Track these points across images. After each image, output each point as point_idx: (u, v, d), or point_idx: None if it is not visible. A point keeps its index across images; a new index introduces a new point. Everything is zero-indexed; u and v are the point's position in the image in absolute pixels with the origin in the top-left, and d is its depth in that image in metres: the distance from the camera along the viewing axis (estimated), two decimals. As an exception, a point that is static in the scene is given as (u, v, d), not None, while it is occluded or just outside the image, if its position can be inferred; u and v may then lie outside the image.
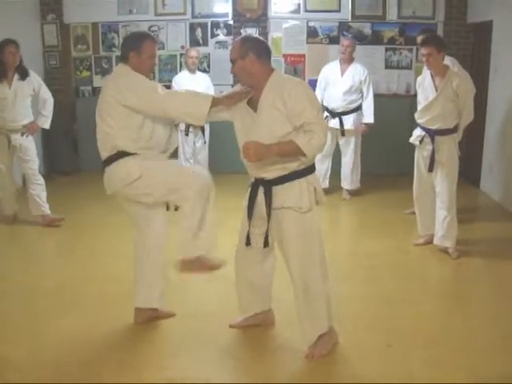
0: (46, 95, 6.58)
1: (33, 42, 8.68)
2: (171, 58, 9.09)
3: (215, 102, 3.78)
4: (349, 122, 7.55)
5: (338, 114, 7.53)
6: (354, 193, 7.79)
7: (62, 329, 4.20)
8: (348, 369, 3.74)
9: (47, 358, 3.81)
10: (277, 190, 3.65)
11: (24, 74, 6.38)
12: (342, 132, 7.56)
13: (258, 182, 3.74)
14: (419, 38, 6.64)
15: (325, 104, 7.49)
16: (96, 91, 9.25)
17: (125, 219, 6.63)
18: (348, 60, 7.51)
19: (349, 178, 7.74)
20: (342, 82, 7.48)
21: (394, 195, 7.80)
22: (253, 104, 3.69)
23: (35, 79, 6.53)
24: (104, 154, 4.01)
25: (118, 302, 4.61)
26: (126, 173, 3.88)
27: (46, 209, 6.64)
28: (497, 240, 6.17)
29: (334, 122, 7.48)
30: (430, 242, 5.85)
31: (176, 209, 4.11)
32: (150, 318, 4.27)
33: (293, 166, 3.60)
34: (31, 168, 6.61)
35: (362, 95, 7.62)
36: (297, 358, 3.83)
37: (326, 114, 7.40)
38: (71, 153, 9.17)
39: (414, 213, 6.15)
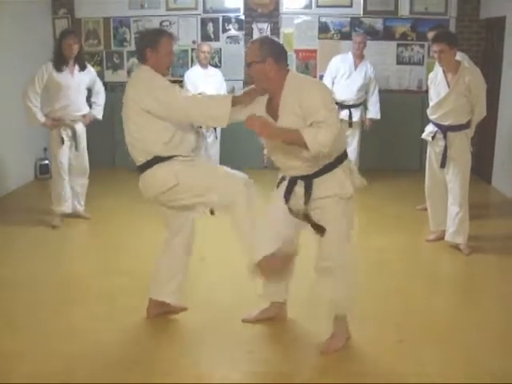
0: (101, 88, 6.72)
1: (44, 37, 8.69)
2: (183, 53, 9.07)
3: (234, 101, 3.77)
4: (356, 114, 7.76)
5: (348, 107, 7.69)
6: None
7: (71, 322, 4.22)
8: (360, 364, 3.74)
9: (55, 349, 3.83)
10: (317, 182, 3.67)
11: (83, 65, 6.43)
12: (350, 124, 7.72)
13: (295, 177, 3.75)
14: (430, 34, 6.63)
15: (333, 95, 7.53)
16: (107, 86, 9.25)
17: (136, 214, 6.73)
18: (360, 56, 7.67)
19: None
20: (355, 77, 7.60)
21: (405, 191, 7.78)
22: (272, 111, 3.67)
23: (91, 71, 6.61)
24: (138, 159, 3.98)
25: (128, 297, 4.63)
26: (162, 181, 3.87)
27: (82, 207, 6.74)
28: (509, 236, 6.15)
29: (343, 114, 7.57)
30: (441, 238, 5.84)
31: (212, 212, 4.12)
32: (161, 312, 4.28)
33: (327, 160, 3.63)
34: (80, 162, 6.63)
35: (367, 90, 7.83)
36: (310, 353, 3.85)
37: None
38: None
39: (426, 209, 6.14)
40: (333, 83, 7.67)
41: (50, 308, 4.47)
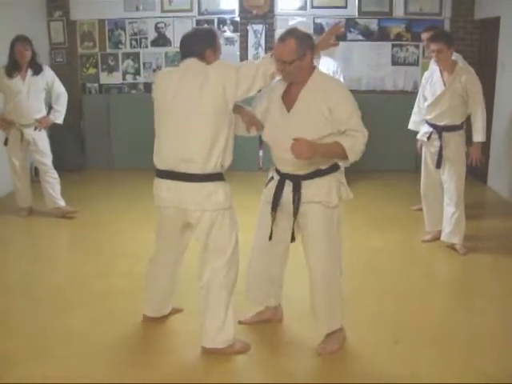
0: (60, 90, 6.69)
1: (39, 39, 8.64)
2: (178, 54, 8.97)
3: (238, 110, 3.76)
4: None
5: None
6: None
7: (68, 324, 4.21)
8: (356, 365, 3.74)
9: (52, 353, 3.82)
10: (306, 185, 3.66)
11: (37, 69, 6.50)
12: None
13: (284, 177, 3.74)
14: (424, 35, 6.65)
15: None
16: (103, 88, 9.27)
17: (133, 216, 6.73)
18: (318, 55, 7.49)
19: None
20: None
21: (401, 191, 7.79)
22: (288, 101, 3.66)
23: (49, 74, 6.63)
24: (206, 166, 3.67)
25: (124, 299, 4.63)
26: (224, 198, 3.70)
27: (61, 201, 6.74)
28: (505, 236, 6.16)
29: None
30: (437, 238, 5.85)
31: None
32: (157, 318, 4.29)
33: (324, 165, 3.64)
34: (44, 163, 6.70)
35: None
36: (306, 354, 3.85)
37: None
38: (77, 150, 9.17)
39: (421, 209, 6.15)
40: None
41: (46, 311, 4.45)
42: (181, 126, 3.61)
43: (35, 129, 6.55)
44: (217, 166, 3.63)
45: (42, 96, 6.63)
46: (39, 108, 6.62)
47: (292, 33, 3.55)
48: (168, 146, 3.67)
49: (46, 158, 6.71)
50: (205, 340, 3.82)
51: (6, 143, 6.59)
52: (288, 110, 3.64)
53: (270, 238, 3.83)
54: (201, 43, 3.70)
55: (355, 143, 3.51)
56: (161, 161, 3.73)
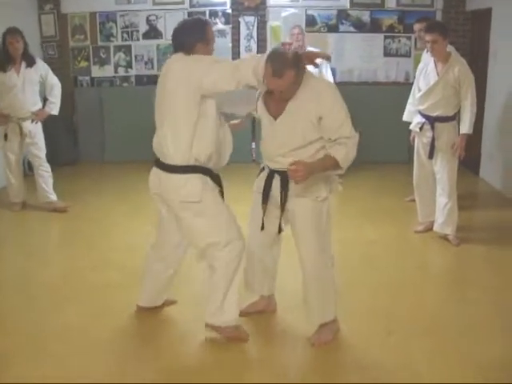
0: (54, 81, 6.68)
1: (31, 33, 8.58)
2: (170, 47, 8.96)
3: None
4: None
5: None
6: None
7: (65, 320, 4.20)
8: (350, 356, 3.76)
9: (50, 351, 3.81)
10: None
11: (31, 62, 6.47)
12: None
13: (273, 171, 3.76)
14: (416, 26, 6.63)
15: None
16: (94, 81, 9.24)
17: (126, 209, 6.72)
18: (302, 47, 7.44)
19: None
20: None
21: (393, 183, 7.80)
22: (274, 108, 3.65)
23: (42, 66, 6.62)
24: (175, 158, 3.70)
25: (121, 292, 4.63)
26: (188, 192, 3.67)
27: (53, 196, 6.73)
28: (497, 227, 6.19)
29: None
30: (429, 228, 5.87)
31: None
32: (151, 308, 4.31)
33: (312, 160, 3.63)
34: (39, 156, 6.70)
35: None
36: (300, 345, 3.87)
37: None
38: (70, 143, 9.15)
39: (414, 200, 6.17)
40: None
41: (42, 307, 4.44)
42: (158, 117, 3.72)
43: (32, 121, 6.54)
44: (188, 158, 3.62)
45: (36, 88, 6.61)
46: (35, 100, 6.60)
47: (286, 64, 3.38)
48: (155, 135, 3.78)
49: (41, 152, 6.70)
50: (206, 315, 3.90)
51: (6, 138, 6.54)
52: (275, 118, 3.64)
53: (262, 228, 3.85)
54: (190, 37, 3.66)
55: (348, 152, 3.52)
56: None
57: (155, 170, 3.80)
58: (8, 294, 4.69)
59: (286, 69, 3.36)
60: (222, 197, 3.85)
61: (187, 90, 3.52)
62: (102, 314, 4.29)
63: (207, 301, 3.87)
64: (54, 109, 6.69)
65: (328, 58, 4.00)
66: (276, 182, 3.74)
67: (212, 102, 3.61)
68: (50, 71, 6.69)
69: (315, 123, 3.53)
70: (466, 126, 5.42)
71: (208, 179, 3.72)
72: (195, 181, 3.66)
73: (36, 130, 6.63)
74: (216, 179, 3.80)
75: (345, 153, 3.51)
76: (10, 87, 6.36)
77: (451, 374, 3.52)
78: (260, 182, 3.87)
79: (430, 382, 3.45)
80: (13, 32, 6.30)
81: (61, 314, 4.30)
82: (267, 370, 3.61)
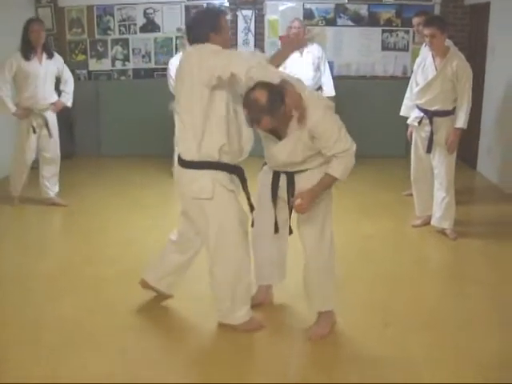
0: (68, 74, 6.70)
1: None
2: (167, 40, 9.02)
3: None
4: None
5: None
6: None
7: (60, 311, 4.20)
8: (346, 350, 3.76)
9: (44, 341, 3.81)
10: (298, 177, 3.72)
11: (50, 53, 6.47)
12: None
13: (278, 171, 3.82)
14: (415, 20, 6.61)
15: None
16: (92, 75, 9.21)
17: (122, 203, 6.71)
18: (299, 35, 7.41)
19: None
20: (304, 62, 7.40)
21: (390, 177, 7.80)
22: (276, 132, 3.66)
23: (59, 59, 6.62)
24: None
25: (116, 285, 4.63)
26: (199, 188, 3.67)
27: (52, 192, 6.70)
28: (494, 221, 6.20)
29: None
30: (427, 223, 5.87)
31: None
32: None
33: (316, 164, 3.68)
34: (54, 150, 6.66)
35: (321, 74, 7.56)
36: (296, 338, 3.87)
37: None
38: (67, 137, 9.10)
39: (412, 194, 6.17)
40: None
41: (38, 301, 4.42)
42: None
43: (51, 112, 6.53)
44: (199, 152, 3.61)
45: (54, 81, 6.59)
46: (53, 92, 6.58)
47: (261, 111, 3.39)
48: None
49: (56, 145, 6.66)
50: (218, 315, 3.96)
51: (34, 131, 6.43)
52: (279, 139, 3.65)
53: (277, 230, 3.93)
54: (203, 27, 3.64)
55: (346, 166, 3.54)
56: None
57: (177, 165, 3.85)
58: (4, 287, 4.66)
59: (262, 116, 3.41)
60: (246, 189, 3.85)
61: (198, 80, 3.49)
62: (98, 308, 4.28)
63: (216, 301, 3.92)
64: (69, 101, 6.68)
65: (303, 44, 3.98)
66: (282, 177, 3.79)
67: (222, 95, 3.56)
68: (66, 66, 6.69)
69: (311, 144, 3.56)
70: (461, 121, 5.41)
71: (223, 175, 3.71)
72: (208, 178, 3.66)
73: (54, 122, 6.60)
74: (237, 172, 3.80)
75: (343, 168, 3.54)
76: (33, 77, 6.26)
77: (448, 368, 3.52)
78: (264, 175, 3.92)
79: (427, 376, 3.45)
80: (38, 21, 6.36)
81: (57, 306, 4.29)
82: (264, 363, 3.62)
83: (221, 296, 3.88)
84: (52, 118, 6.57)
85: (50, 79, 6.47)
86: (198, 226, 3.87)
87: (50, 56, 6.44)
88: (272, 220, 3.91)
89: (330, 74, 7.56)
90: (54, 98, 6.59)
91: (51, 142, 6.61)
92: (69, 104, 6.71)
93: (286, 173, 3.76)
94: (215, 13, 3.77)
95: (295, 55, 7.46)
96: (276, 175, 3.82)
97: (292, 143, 3.59)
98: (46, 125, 6.48)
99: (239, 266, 3.82)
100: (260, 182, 3.99)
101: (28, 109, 6.35)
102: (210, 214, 3.70)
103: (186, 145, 3.67)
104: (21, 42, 6.27)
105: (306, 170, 3.70)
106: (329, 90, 7.50)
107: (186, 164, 3.69)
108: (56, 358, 3.62)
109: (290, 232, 3.99)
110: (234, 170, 3.77)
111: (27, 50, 6.23)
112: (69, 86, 6.67)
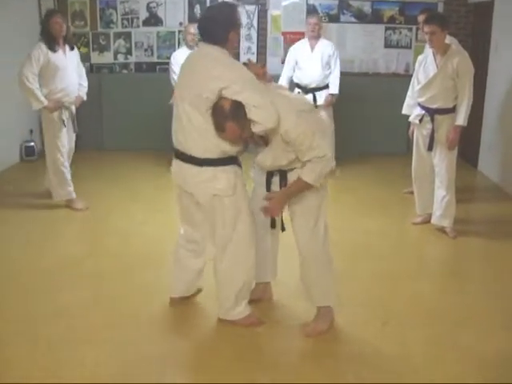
0: (83, 69, 6.61)
1: (30, 19, 8.58)
2: (170, 34, 9.00)
3: None
4: (321, 98, 7.50)
5: (312, 90, 7.48)
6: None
7: (58, 305, 4.20)
8: (345, 346, 3.76)
9: (43, 335, 3.81)
10: (291, 173, 3.72)
11: (72, 45, 6.33)
12: (315, 107, 7.55)
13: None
14: (420, 17, 6.60)
15: (296, 81, 7.58)
16: (94, 68, 9.19)
17: (124, 197, 6.71)
18: (315, 37, 7.53)
19: None
20: (313, 58, 7.45)
21: (391, 174, 7.79)
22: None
23: (77, 51, 6.50)
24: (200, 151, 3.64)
25: (117, 280, 4.62)
26: (221, 186, 3.65)
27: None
28: (494, 220, 6.20)
29: (308, 98, 7.47)
30: (427, 221, 5.87)
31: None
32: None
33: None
34: (73, 145, 6.60)
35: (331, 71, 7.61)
36: (295, 335, 3.87)
37: (297, 90, 7.45)
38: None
39: (412, 192, 6.17)
40: (294, 70, 7.61)
41: (36, 292, 4.43)
42: (178, 109, 3.68)
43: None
44: (211, 150, 3.59)
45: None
46: (77, 85, 6.42)
47: (225, 117, 3.44)
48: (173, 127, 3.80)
49: (73, 140, 6.57)
50: (220, 312, 3.97)
51: (65, 124, 6.25)
52: (266, 144, 3.66)
53: (273, 225, 3.94)
54: (222, 27, 3.52)
55: (320, 172, 3.54)
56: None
57: (176, 162, 3.84)
58: (3, 281, 4.64)
59: (226, 122, 3.44)
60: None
61: (206, 88, 3.45)
62: (97, 301, 4.28)
63: (219, 298, 3.92)
64: (85, 94, 6.56)
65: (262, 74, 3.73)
66: (276, 178, 3.80)
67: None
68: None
69: (288, 148, 3.56)
70: (460, 118, 5.41)
71: (240, 169, 3.76)
72: (230, 174, 3.67)
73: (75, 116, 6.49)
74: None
75: (316, 174, 3.54)
76: (61, 68, 6.07)
77: (447, 366, 3.53)
78: (258, 174, 3.92)
79: (426, 373, 3.46)
80: (58, 13, 6.22)
81: (55, 300, 4.29)
82: (263, 360, 3.62)
83: (226, 294, 3.88)
84: (74, 111, 6.45)
85: (75, 71, 6.33)
86: (211, 222, 3.81)
87: (72, 48, 6.30)
88: (267, 218, 3.89)
89: (338, 73, 7.54)
90: (77, 91, 6.43)
91: (72, 137, 6.51)
92: (85, 98, 6.58)
93: (279, 171, 3.76)
94: (232, 9, 3.65)
95: (306, 51, 7.52)
96: (269, 173, 3.82)
97: (274, 149, 3.59)
98: (72, 118, 6.38)
99: (250, 263, 3.84)
100: (255, 181, 3.99)
101: (59, 101, 6.16)
102: (228, 209, 3.69)
103: (197, 143, 3.59)
104: (42, 34, 6.10)
105: (296, 167, 3.69)
106: (333, 87, 7.53)
107: (203, 162, 3.61)
108: (54, 354, 3.61)
109: (283, 229, 3.99)
110: (239, 162, 3.80)
111: (51, 41, 6.03)
112: (84, 78, 6.56)
